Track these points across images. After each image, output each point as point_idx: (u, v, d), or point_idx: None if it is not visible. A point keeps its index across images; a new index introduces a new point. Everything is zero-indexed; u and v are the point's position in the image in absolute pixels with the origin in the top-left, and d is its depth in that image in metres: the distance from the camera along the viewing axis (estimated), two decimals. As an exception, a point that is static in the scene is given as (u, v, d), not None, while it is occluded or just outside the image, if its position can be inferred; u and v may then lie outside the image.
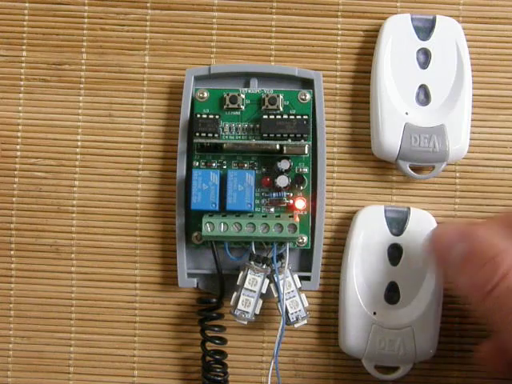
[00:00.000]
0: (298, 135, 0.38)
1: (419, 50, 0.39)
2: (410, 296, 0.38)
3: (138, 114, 0.41)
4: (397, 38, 0.39)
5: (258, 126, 0.39)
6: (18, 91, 0.41)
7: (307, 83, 0.40)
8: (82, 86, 0.41)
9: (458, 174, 0.41)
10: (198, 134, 0.38)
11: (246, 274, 0.38)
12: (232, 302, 0.38)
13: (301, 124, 0.38)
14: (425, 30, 0.40)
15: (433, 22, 0.40)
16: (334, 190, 0.41)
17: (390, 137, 0.38)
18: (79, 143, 0.41)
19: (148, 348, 0.41)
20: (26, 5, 0.41)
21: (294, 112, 0.39)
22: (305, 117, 0.38)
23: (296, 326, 0.38)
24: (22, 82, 0.41)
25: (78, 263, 0.41)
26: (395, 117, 0.39)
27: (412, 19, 0.40)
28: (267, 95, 0.39)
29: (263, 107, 0.39)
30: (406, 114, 0.39)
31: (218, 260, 0.39)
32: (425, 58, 0.39)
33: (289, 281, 0.38)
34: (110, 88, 0.41)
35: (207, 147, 0.39)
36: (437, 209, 0.40)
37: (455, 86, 0.39)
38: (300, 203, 0.39)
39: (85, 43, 0.41)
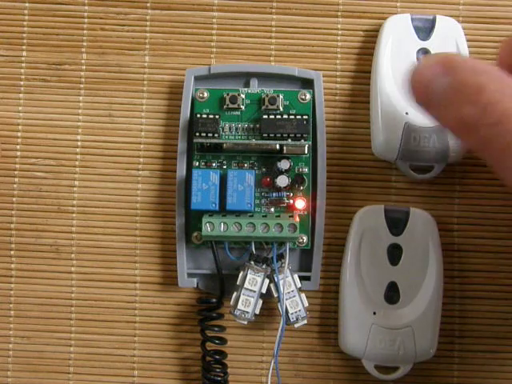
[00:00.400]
0: (298, 135, 0.38)
1: (419, 50, 0.39)
2: (410, 296, 0.38)
3: (138, 114, 0.41)
4: (397, 38, 0.39)
5: (258, 125, 0.39)
6: (18, 91, 0.41)
7: (307, 83, 0.40)
8: (82, 86, 0.41)
9: (457, 174, 0.41)
10: (198, 134, 0.38)
11: (246, 274, 0.38)
12: (232, 302, 0.38)
13: (301, 124, 0.38)
14: (425, 29, 0.40)
15: (433, 22, 0.40)
16: (333, 189, 0.41)
17: (389, 137, 0.38)
18: (79, 143, 0.41)
19: (148, 348, 0.41)
20: (26, 5, 0.41)
21: (293, 112, 0.39)
22: (305, 117, 0.38)
23: (296, 325, 0.38)
24: (22, 82, 0.41)
25: (77, 263, 0.41)
26: (395, 116, 0.38)
27: (412, 19, 0.40)
28: (267, 95, 0.39)
29: (263, 107, 0.39)
30: (406, 113, 0.39)
31: (218, 260, 0.39)
32: None
33: (289, 281, 0.38)
34: (110, 88, 0.41)
35: (207, 147, 0.39)
36: (437, 209, 0.40)
37: None
38: (300, 203, 0.39)
39: (85, 43, 0.41)
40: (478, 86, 0.28)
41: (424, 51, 0.39)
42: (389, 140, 0.38)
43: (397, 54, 0.39)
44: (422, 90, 0.31)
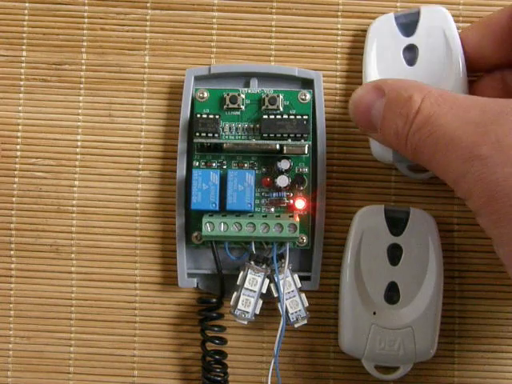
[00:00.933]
0: (298, 135, 0.38)
1: (405, 48, 0.39)
2: (410, 296, 0.38)
3: (138, 114, 0.41)
4: (381, 41, 0.39)
5: (258, 125, 0.39)
6: (18, 91, 0.41)
7: (307, 83, 0.40)
8: (82, 85, 0.41)
9: (457, 174, 0.41)
10: (198, 134, 0.38)
11: (246, 274, 0.38)
12: (232, 302, 0.38)
13: (301, 124, 0.38)
14: (410, 25, 0.39)
15: (417, 16, 0.39)
16: (333, 189, 0.41)
17: None
18: (79, 143, 0.41)
19: (148, 348, 0.41)
20: (26, 5, 0.41)
21: (294, 112, 0.39)
22: (305, 117, 0.38)
23: (296, 325, 0.38)
24: (21, 82, 0.41)
25: (77, 263, 0.41)
26: None
27: (395, 18, 0.39)
28: (267, 95, 0.39)
29: (263, 107, 0.39)
30: None
31: (218, 260, 0.39)
32: (412, 55, 0.39)
33: (289, 281, 0.38)
34: (110, 88, 0.41)
35: (207, 147, 0.39)
36: (437, 209, 0.40)
37: (445, 71, 0.39)
38: (300, 203, 0.39)
39: (85, 43, 0.41)
40: (406, 99, 0.32)
41: (410, 48, 0.39)
42: None
43: (383, 56, 0.39)
44: (362, 116, 0.34)
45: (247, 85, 0.40)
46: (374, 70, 0.39)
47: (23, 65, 0.41)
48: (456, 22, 0.41)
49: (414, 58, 0.39)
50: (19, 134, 0.41)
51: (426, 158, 0.32)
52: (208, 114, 0.38)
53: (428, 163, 0.32)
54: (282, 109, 0.39)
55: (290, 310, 0.38)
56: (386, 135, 0.33)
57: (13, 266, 0.41)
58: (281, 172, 0.39)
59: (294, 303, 0.38)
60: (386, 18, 0.40)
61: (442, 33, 0.39)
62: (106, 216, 0.41)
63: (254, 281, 0.38)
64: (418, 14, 0.39)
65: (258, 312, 0.38)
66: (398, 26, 0.39)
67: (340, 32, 0.41)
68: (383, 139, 0.34)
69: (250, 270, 0.38)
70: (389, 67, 0.39)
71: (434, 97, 0.31)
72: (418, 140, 0.31)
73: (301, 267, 0.40)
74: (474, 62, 0.38)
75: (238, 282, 0.38)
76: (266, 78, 0.40)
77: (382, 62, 0.39)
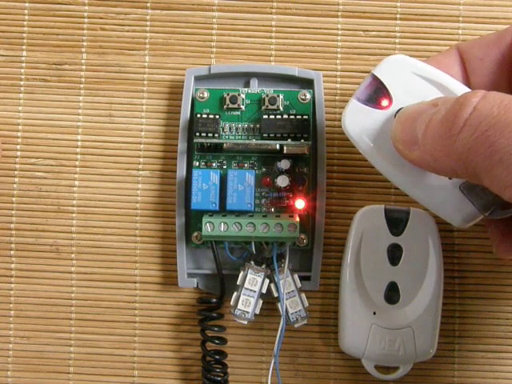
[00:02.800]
0: (298, 135, 0.38)
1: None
2: (410, 296, 0.38)
3: (138, 114, 0.41)
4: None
5: (258, 125, 0.39)
6: (18, 91, 0.41)
7: (307, 83, 0.40)
8: (82, 85, 0.41)
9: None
10: (198, 134, 0.38)
11: (246, 274, 0.38)
12: (232, 302, 0.38)
13: (301, 124, 0.38)
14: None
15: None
16: (333, 189, 0.41)
17: None
18: (79, 143, 0.41)
19: (148, 348, 0.41)
20: (26, 5, 0.41)
21: (294, 112, 0.39)
22: (305, 117, 0.38)
23: (296, 325, 0.38)
24: (22, 82, 0.41)
25: (77, 263, 0.41)
26: None
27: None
28: (267, 95, 0.39)
29: (263, 107, 0.39)
30: None
31: (218, 260, 0.39)
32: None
33: (289, 281, 0.38)
34: (110, 88, 0.41)
35: (207, 147, 0.39)
36: (437, 209, 0.40)
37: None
38: (300, 203, 0.39)
39: (85, 43, 0.41)
40: (460, 102, 0.28)
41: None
42: None
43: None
44: (405, 126, 0.31)
45: (247, 85, 0.40)
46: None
47: (23, 65, 0.41)
48: (456, 21, 0.41)
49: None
50: (19, 133, 0.41)
51: (480, 159, 0.27)
52: (208, 114, 0.38)
53: (479, 167, 0.28)
54: (282, 109, 0.39)
55: (290, 310, 0.38)
56: (427, 144, 0.29)
57: (13, 266, 0.41)
58: (281, 172, 0.39)
59: (294, 303, 0.38)
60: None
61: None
62: (106, 216, 0.41)
63: (254, 281, 0.38)
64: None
65: (258, 312, 0.38)
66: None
67: (340, 32, 0.41)
68: (423, 151, 0.30)
69: (250, 270, 0.38)
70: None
71: (493, 98, 0.28)
72: (472, 140, 0.27)
73: (301, 267, 0.40)
74: None
75: (238, 282, 0.38)
76: (266, 77, 0.40)
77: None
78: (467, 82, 0.34)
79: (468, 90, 0.32)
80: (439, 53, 0.37)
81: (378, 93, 0.33)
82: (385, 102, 0.33)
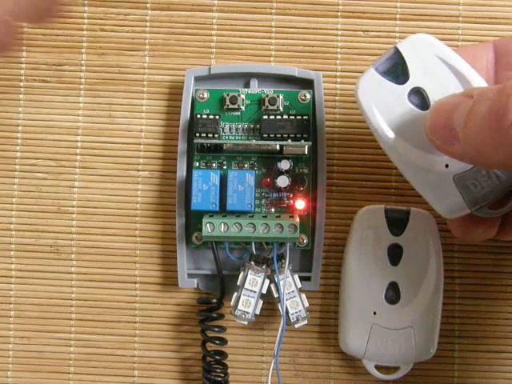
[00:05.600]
0: (298, 135, 0.38)
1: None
2: (410, 296, 0.38)
3: (138, 115, 0.41)
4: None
5: (258, 126, 0.39)
6: (18, 92, 0.41)
7: (307, 83, 0.40)
8: (81, 86, 0.41)
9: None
10: (198, 135, 0.38)
11: (247, 275, 0.38)
12: (232, 303, 0.38)
13: (301, 124, 0.38)
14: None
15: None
16: (333, 190, 0.41)
17: None
18: (79, 144, 0.41)
19: (148, 348, 0.41)
20: (26, 5, 0.41)
21: (294, 112, 0.39)
22: (305, 117, 0.38)
23: (296, 326, 0.38)
24: (21, 83, 0.41)
25: (78, 263, 0.41)
26: None
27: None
28: (267, 95, 0.39)
29: (263, 107, 0.39)
30: None
31: (219, 260, 0.39)
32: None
33: (289, 281, 0.38)
34: (110, 89, 0.41)
35: (207, 148, 0.39)
36: (437, 209, 0.40)
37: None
38: (300, 203, 0.39)
39: (85, 44, 0.41)
40: (500, 90, 0.28)
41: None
42: None
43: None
44: (441, 121, 0.30)
45: (247, 85, 0.40)
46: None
47: (23, 66, 0.41)
48: (455, 22, 0.41)
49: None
50: (19, 134, 0.41)
51: None
52: (208, 115, 0.38)
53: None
54: (282, 109, 0.39)
55: (291, 311, 0.38)
56: (471, 138, 0.28)
57: (13, 266, 0.41)
58: (281, 172, 0.39)
59: (294, 303, 0.38)
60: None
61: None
62: (106, 216, 0.41)
63: (254, 281, 0.38)
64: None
65: (258, 312, 0.38)
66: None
67: (340, 32, 0.41)
68: (465, 146, 0.29)
69: (250, 271, 0.38)
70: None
71: None
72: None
73: (301, 267, 0.40)
74: None
75: (238, 283, 0.38)
76: (265, 78, 0.40)
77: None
78: (492, 76, 0.34)
79: (484, 83, 0.32)
80: (475, 43, 0.37)
81: (396, 67, 0.33)
82: (401, 78, 0.33)
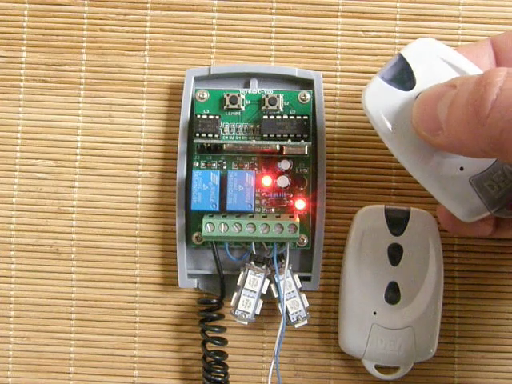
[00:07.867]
0: (298, 135, 0.38)
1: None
2: (410, 296, 0.38)
3: (138, 115, 0.41)
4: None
5: (258, 126, 0.39)
6: (18, 92, 0.41)
7: (307, 83, 0.40)
8: (81, 86, 0.41)
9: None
10: (198, 135, 0.38)
11: (247, 275, 0.38)
12: (232, 303, 0.38)
13: (301, 124, 0.38)
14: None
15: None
16: (333, 190, 0.41)
17: None
18: (79, 144, 0.41)
19: (148, 348, 0.41)
20: (26, 5, 0.41)
21: (294, 112, 0.39)
22: (305, 117, 0.38)
23: (296, 326, 0.38)
24: (21, 83, 0.41)
25: (78, 263, 0.41)
26: None
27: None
28: (267, 96, 0.39)
29: (263, 108, 0.39)
30: None
31: (219, 260, 0.39)
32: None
33: (289, 281, 0.38)
34: (110, 89, 0.41)
35: (207, 148, 0.39)
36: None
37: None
38: (300, 203, 0.39)
39: (84, 44, 0.41)
40: (480, 80, 0.27)
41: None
42: None
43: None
44: (426, 111, 0.30)
45: (247, 85, 0.40)
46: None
47: (23, 66, 0.41)
48: (455, 22, 0.41)
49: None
50: (19, 134, 0.41)
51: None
52: (208, 115, 0.38)
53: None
54: (282, 109, 0.39)
55: (291, 311, 0.38)
56: (453, 128, 0.29)
57: (13, 266, 0.41)
58: (281, 172, 0.39)
59: (294, 303, 0.38)
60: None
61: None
62: (106, 217, 0.41)
63: (254, 281, 0.38)
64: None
65: (258, 312, 0.38)
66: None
67: (340, 32, 0.41)
68: (448, 136, 0.29)
69: (250, 271, 0.38)
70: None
71: None
72: (504, 122, 0.26)
73: (301, 267, 0.40)
74: None
75: (238, 283, 0.38)
76: (265, 78, 0.40)
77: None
78: None
79: None
80: (472, 42, 0.37)
81: (402, 74, 0.33)
82: (408, 84, 0.33)
